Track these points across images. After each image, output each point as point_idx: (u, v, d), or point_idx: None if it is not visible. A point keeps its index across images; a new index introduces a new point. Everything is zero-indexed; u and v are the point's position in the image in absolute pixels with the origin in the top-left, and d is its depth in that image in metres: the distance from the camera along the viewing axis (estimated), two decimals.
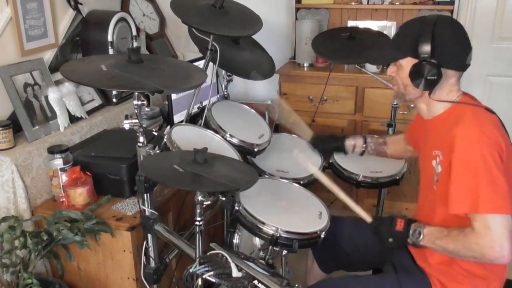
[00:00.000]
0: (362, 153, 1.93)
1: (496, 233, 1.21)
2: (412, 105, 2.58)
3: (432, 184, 1.43)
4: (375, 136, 1.95)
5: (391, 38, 1.52)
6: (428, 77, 1.34)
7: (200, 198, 1.40)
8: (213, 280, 1.38)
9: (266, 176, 1.96)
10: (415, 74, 1.36)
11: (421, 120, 1.54)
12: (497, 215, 1.22)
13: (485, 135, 1.27)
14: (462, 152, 1.27)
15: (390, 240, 1.42)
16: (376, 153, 1.92)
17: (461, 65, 1.38)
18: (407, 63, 1.39)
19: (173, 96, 2.32)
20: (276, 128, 3.06)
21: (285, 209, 1.71)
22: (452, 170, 1.29)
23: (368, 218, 1.51)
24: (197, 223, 1.45)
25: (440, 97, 1.40)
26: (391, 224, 1.42)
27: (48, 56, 2.19)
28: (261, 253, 1.76)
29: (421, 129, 1.55)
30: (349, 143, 1.93)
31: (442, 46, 1.33)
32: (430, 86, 1.36)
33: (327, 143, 1.98)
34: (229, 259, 1.38)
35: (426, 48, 1.33)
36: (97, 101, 2.37)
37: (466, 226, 1.27)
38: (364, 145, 1.91)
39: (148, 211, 1.61)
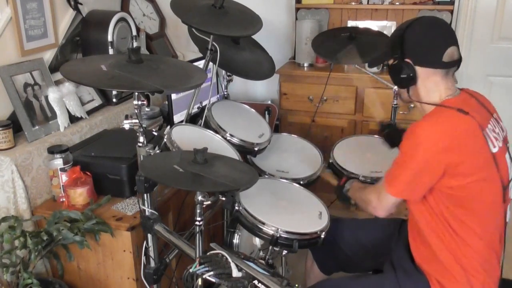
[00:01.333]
0: None
1: (382, 203, 1.46)
2: (412, 105, 2.58)
3: None
4: None
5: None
6: (401, 76, 1.40)
7: (200, 198, 1.40)
8: (213, 280, 1.38)
9: (266, 176, 1.96)
10: (392, 73, 1.44)
11: None
12: (392, 196, 1.43)
13: (437, 134, 1.31)
14: (408, 141, 1.36)
15: (335, 192, 1.79)
16: None
17: (437, 62, 1.39)
18: (392, 63, 1.46)
19: (173, 96, 2.32)
20: (276, 128, 3.07)
21: (285, 209, 1.71)
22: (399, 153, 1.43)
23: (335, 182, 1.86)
24: (197, 223, 1.45)
25: (427, 95, 1.43)
26: (338, 181, 1.80)
27: (48, 56, 2.19)
28: (261, 253, 1.75)
29: None
30: None
31: (412, 44, 1.39)
32: (406, 84, 1.43)
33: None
34: (229, 259, 1.38)
35: (399, 47, 1.40)
36: (97, 101, 2.37)
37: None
38: None
39: (148, 211, 1.61)
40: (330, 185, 2.38)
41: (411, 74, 1.39)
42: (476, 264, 1.38)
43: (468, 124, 1.34)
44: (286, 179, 1.93)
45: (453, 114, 1.35)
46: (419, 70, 1.39)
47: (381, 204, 1.46)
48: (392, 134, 1.87)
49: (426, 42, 1.40)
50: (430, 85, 1.41)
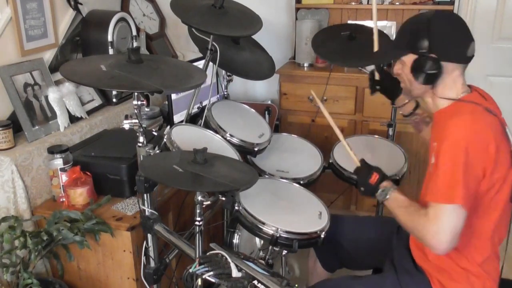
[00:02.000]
0: (409, 115, 1.86)
1: (441, 225, 1.25)
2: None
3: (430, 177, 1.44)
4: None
5: (391, 38, 1.52)
6: (428, 71, 1.35)
7: (200, 198, 1.40)
8: (213, 280, 1.38)
9: (266, 176, 1.96)
10: (416, 69, 1.38)
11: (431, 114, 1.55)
12: (448, 206, 1.25)
13: (475, 134, 1.27)
14: (447, 144, 1.29)
15: (362, 189, 1.50)
16: (416, 125, 1.87)
17: (462, 57, 1.39)
18: (409, 59, 1.40)
19: (173, 96, 2.32)
20: (276, 128, 3.07)
21: (285, 209, 1.71)
22: (437, 161, 1.32)
23: (357, 163, 1.56)
24: (197, 223, 1.45)
25: (444, 91, 1.40)
26: (368, 174, 1.48)
27: (48, 56, 2.19)
28: (261, 253, 1.76)
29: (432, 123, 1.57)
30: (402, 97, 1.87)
31: (439, 39, 1.35)
32: (432, 80, 1.37)
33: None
34: (229, 259, 1.38)
35: (424, 42, 1.35)
36: (97, 101, 2.37)
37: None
38: (412, 110, 1.85)
39: (148, 211, 1.61)
40: (330, 185, 2.38)
41: (438, 70, 1.35)
42: (478, 264, 1.38)
43: (497, 123, 1.35)
44: (286, 179, 1.93)
45: (483, 112, 1.35)
46: (444, 65, 1.36)
47: (442, 225, 1.25)
48: (388, 85, 1.85)
49: (454, 36, 1.37)
50: (449, 80, 1.39)
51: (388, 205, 1.44)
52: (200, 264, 1.38)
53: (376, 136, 2.32)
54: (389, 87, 1.86)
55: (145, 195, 1.58)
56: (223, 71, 2.30)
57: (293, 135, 2.34)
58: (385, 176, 1.48)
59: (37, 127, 1.97)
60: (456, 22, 1.39)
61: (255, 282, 1.36)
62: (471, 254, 1.37)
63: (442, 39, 1.35)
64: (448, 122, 1.32)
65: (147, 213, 1.61)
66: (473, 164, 1.25)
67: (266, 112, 3.00)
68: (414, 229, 1.34)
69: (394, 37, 1.52)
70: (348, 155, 1.60)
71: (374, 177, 1.47)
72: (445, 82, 1.39)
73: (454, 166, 1.26)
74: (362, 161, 1.55)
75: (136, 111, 1.51)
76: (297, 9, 3.18)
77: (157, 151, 1.57)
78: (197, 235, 1.46)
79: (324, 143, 2.82)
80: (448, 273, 1.41)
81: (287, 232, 1.55)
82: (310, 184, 1.99)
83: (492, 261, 1.42)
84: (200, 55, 2.21)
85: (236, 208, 1.60)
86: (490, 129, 1.30)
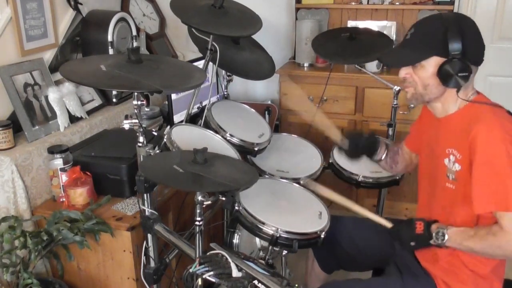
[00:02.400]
0: (379, 160, 1.82)
1: None
2: (412, 105, 2.57)
3: (445, 182, 1.42)
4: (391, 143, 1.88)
5: (406, 38, 1.44)
6: (459, 74, 1.32)
7: (200, 198, 1.40)
8: (213, 280, 1.37)
9: (266, 176, 1.96)
10: (446, 73, 1.34)
11: (431, 119, 1.52)
12: None
13: (508, 133, 1.27)
14: (485, 151, 1.27)
15: (412, 243, 1.42)
16: (390, 162, 1.83)
17: (481, 60, 1.38)
18: (432, 62, 1.36)
19: (173, 96, 2.32)
20: (276, 127, 3.07)
21: (285, 209, 1.71)
22: (475, 169, 1.29)
23: (388, 224, 1.52)
24: (197, 223, 1.45)
25: (452, 95, 1.39)
26: (411, 227, 1.41)
27: (48, 56, 2.19)
28: (261, 253, 1.76)
29: (430, 128, 1.53)
30: (380, 147, 1.81)
31: (470, 42, 1.33)
32: (461, 83, 1.34)
33: (363, 138, 1.82)
34: (229, 259, 1.38)
35: (457, 45, 1.31)
36: (97, 101, 2.37)
37: (491, 224, 1.28)
38: (386, 152, 1.81)
39: (148, 211, 1.61)
40: (330, 185, 2.38)
41: (468, 73, 1.33)
42: (486, 267, 1.38)
43: None
44: (286, 179, 1.92)
45: (506, 113, 1.35)
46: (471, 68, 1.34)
47: None
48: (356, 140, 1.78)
49: (479, 40, 1.36)
50: (468, 83, 1.38)
51: (452, 242, 1.35)
52: (200, 264, 1.38)
53: (376, 136, 2.31)
54: (371, 143, 1.79)
55: (145, 195, 1.58)
56: (223, 71, 2.30)
57: (293, 135, 2.34)
58: (428, 222, 1.41)
59: (37, 127, 1.97)
60: (476, 26, 1.38)
61: (255, 282, 1.36)
62: (487, 258, 1.36)
63: (473, 42, 1.34)
64: (474, 129, 1.29)
65: (147, 213, 1.61)
66: None
67: (266, 112, 3.00)
68: (498, 249, 1.27)
69: (395, 38, 1.49)
70: (373, 219, 1.56)
71: (419, 226, 1.40)
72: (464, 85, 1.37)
73: (506, 170, 1.24)
74: (392, 221, 1.51)
75: (136, 111, 1.51)
76: (297, 9, 3.18)
77: (157, 151, 1.57)
78: (197, 235, 1.46)
79: (324, 143, 2.81)
80: (456, 275, 1.41)
81: (287, 232, 1.55)
82: None
83: (502, 265, 1.42)
84: (200, 55, 2.21)
85: (236, 208, 1.60)
86: None
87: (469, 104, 1.39)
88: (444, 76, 1.34)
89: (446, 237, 1.35)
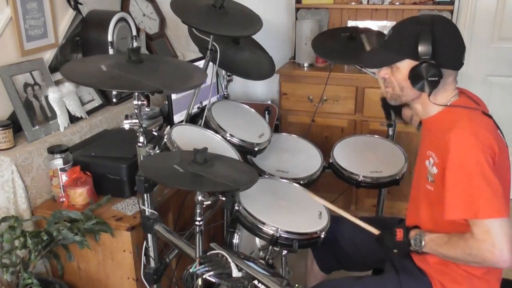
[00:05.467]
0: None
1: (495, 238, 1.21)
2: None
3: (425, 183, 1.42)
4: None
5: (385, 39, 1.44)
6: (429, 79, 1.32)
7: (200, 198, 1.40)
8: (213, 280, 1.38)
9: (266, 176, 1.96)
10: (416, 76, 1.34)
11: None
12: (495, 219, 1.22)
13: (479, 139, 1.26)
14: (456, 157, 1.27)
15: (395, 250, 1.44)
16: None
17: (459, 64, 1.38)
18: (405, 65, 1.37)
19: (173, 96, 2.32)
20: (276, 127, 3.07)
21: (285, 209, 1.71)
22: (447, 175, 1.29)
23: (375, 232, 1.55)
24: (197, 223, 1.45)
25: (436, 97, 1.39)
26: (392, 235, 1.44)
27: (48, 56, 2.19)
28: (261, 253, 1.75)
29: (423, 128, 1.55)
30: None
31: (441, 46, 1.32)
32: (431, 87, 1.34)
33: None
34: (229, 259, 1.38)
35: (427, 49, 1.31)
36: (97, 101, 2.37)
37: (465, 229, 1.27)
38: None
39: (148, 211, 1.61)
40: (330, 185, 2.38)
41: (440, 77, 1.32)
42: (484, 269, 1.37)
43: (492, 124, 1.35)
44: (286, 179, 1.92)
45: (479, 114, 1.35)
46: (442, 71, 1.33)
47: (496, 238, 1.21)
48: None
49: (454, 43, 1.35)
50: (445, 86, 1.37)
51: (428, 249, 1.36)
52: (200, 264, 1.38)
53: (376, 136, 2.32)
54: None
55: (145, 195, 1.58)
56: (223, 71, 2.30)
57: (293, 135, 2.34)
58: (408, 228, 1.43)
59: (37, 127, 1.97)
60: (454, 28, 1.37)
61: (255, 282, 1.36)
62: None
63: (445, 46, 1.33)
64: (448, 134, 1.29)
65: (147, 213, 1.61)
66: (491, 169, 1.24)
67: (266, 112, 3.00)
68: (468, 256, 1.26)
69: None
70: (362, 226, 1.59)
71: (399, 233, 1.42)
72: (438, 88, 1.36)
73: (476, 177, 1.23)
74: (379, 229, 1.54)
75: (136, 111, 1.51)
76: (297, 9, 3.18)
77: (157, 151, 1.57)
78: (197, 235, 1.46)
79: (324, 143, 2.83)
80: (450, 275, 1.41)
81: (287, 232, 1.55)
82: (310, 184, 1.99)
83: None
84: (200, 55, 2.21)
85: (236, 208, 1.60)
86: (488, 131, 1.30)
87: (448, 107, 1.39)
88: (414, 80, 1.35)
89: (423, 243, 1.37)
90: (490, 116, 1.39)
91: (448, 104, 1.38)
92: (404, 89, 1.41)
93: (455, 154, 1.27)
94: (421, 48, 1.31)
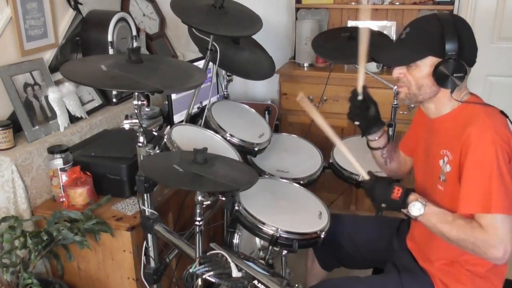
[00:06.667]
0: (378, 148, 1.71)
1: (503, 234, 1.22)
2: (413, 105, 2.57)
3: (437, 184, 1.41)
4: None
5: (402, 37, 1.42)
6: (454, 75, 1.32)
7: (200, 198, 1.40)
8: (213, 280, 1.38)
9: (266, 176, 1.96)
10: (441, 73, 1.33)
11: (426, 120, 1.51)
12: (506, 216, 1.23)
13: (499, 136, 1.26)
14: (478, 151, 1.26)
15: (383, 205, 1.36)
16: (386, 156, 1.74)
17: (474, 61, 1.38)
18: (427, 62, 1.35)
19: (173, 96, 2.32)
20: (276, 127, 3.07)
21: (285, 209, 1.71)
22: (466, 169, 1.28)
23: (366, 176, 1.43)
24: (197, 223, 1.45)
25: (452, 95, 1.38)
26: (387, 189, 1.34)
27: (48, 56, 2.19)
28: (261, 253, 1.75)
29: (425, 129, 1.53)
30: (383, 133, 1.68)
31: (467, 42, 1.33)
32: (455, 84, 1.33)
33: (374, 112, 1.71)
34: (229, 259, 1.38)
35: (453, 46, 1.30)
36: (97, 101, 2.37)
37: (470, 217, 1.27)
38: (386, 142, 1.69)
39: (148, 211, 1.61)
40: (330, 185, 2.37)
41: (464, 73, 1.32)
42: (484, 267, 1.37)
43: (507, 123, 1.35)
44: (286, 179, 1.92)
45: (499, 114, 1.35)
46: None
47: (505, 235, 1.22)
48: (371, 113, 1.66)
49: (473, 40, 1.36)
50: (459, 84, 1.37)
51: (425, 220, 1.32)
52: (200, 264, 1.38)
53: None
54: (372, 114, 1.68)
55: (145, 195, 1.58)
56: (223, 71, 2.30)
57: (293, 135, 2.34)
58: (408, 190, 1.35)
59: (37, 127, 1.97)
60: (469, 26, 1.37)
61: (255, 282, 1.36)
62: (484, 259, 1.34)
63: (468, 43, 1.34)
64: (467, 130, 1.29)
65: (147, 213, 1.61)
66: (506, 166, 1.25)
67: (266, 112, 3.00)
68: (470, 244, 1.25)
69: (396, 38, 1.47)
70: (351, 163, 1.46)
71: (397, 192, 1.33)
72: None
73: (494, 172, 1.23)
74: (371, 174, 1.43)
75: (136, 111, 1.51)
76: (297, 9, 3.18)
77: (157, 151, 1.57)
78: (197, 235, 1.46)
79: (324, 143, 2.81)
80: (454, 275, 1.41)
81: (287, 232, 1.55)
82: (310, 184, 1.99)
83: (503, 265, 1.41)
84: (200, 55, 2.21)
85: (236, 208, 1.60)
86: (505, 128, 1.31)
87: (463, 105, 1.38)
88: (439, 77, 1.34)
89: (422, 211, 1.31)
90: (506, 115, 1.39)
91: (462, 100, 1.38)
92: (423, 87, 1.38)
93: (476, 148, 1.27)
94: (448, 45, 1.31)
